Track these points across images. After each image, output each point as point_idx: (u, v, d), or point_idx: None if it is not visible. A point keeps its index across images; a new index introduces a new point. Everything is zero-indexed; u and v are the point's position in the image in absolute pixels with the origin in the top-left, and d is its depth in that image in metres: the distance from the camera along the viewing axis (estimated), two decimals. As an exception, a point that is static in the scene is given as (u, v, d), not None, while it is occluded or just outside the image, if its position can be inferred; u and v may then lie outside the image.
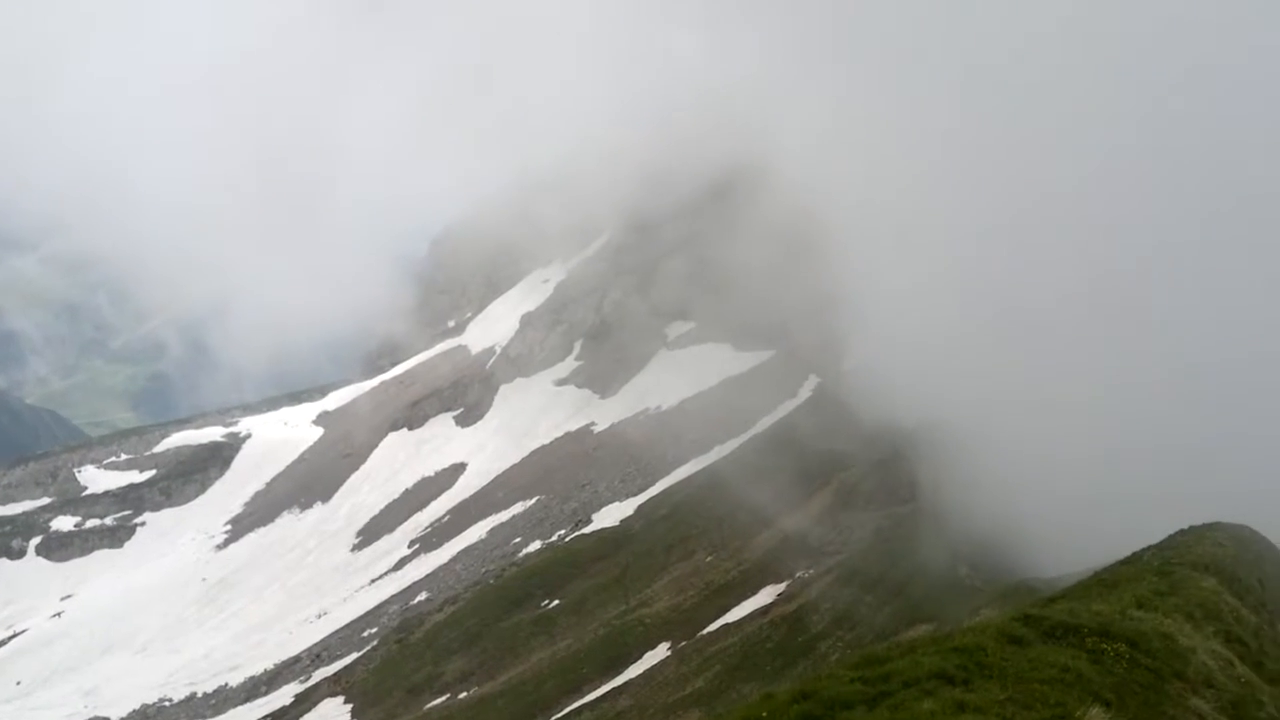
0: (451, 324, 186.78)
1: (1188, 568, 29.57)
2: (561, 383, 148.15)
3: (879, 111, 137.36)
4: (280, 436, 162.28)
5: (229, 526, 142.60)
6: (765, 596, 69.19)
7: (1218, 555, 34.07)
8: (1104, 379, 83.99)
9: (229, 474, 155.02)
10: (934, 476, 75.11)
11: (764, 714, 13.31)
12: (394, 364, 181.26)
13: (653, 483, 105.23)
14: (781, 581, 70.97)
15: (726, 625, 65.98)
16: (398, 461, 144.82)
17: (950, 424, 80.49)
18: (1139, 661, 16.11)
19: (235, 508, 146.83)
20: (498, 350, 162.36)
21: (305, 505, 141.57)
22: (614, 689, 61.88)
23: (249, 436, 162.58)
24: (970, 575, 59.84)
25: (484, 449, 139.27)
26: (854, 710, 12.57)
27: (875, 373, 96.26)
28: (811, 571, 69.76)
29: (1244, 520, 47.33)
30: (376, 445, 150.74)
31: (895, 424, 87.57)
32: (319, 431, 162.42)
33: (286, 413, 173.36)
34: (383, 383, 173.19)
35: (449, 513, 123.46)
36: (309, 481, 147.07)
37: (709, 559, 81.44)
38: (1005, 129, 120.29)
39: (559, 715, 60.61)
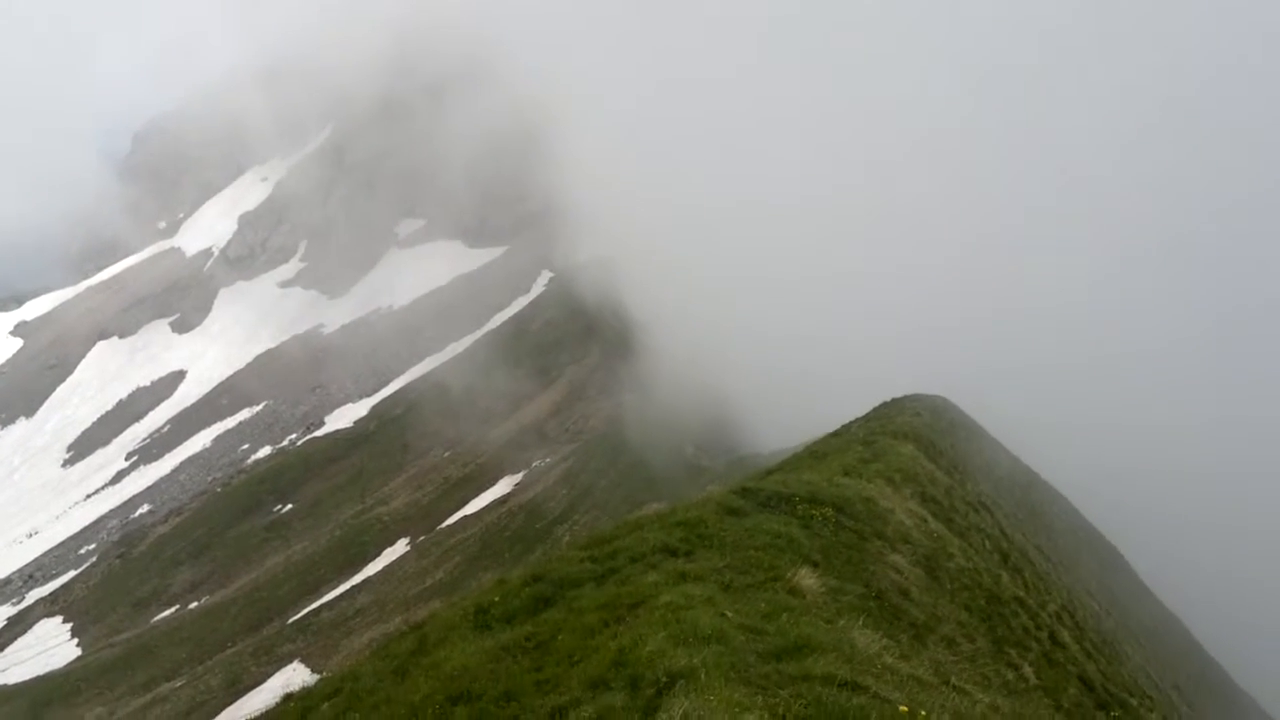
0: (163, 225, 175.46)
1: (889, 436, 31.73)
2: (286, 284, 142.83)
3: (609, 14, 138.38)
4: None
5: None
6: (503, 487, 70.16)
7: (915, 424, 36.89)
8: (811, 263, 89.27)
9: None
10: (662, 364, 77.74)
11: (496, 599, 13.60)
12: (100, 268, 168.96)
13: (387, 383, 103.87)
14: (519, 472, 72.11)
15: (465, 517, 66.63)
16: (109, 372, 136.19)
17: (676, 314, 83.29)
18: (844, 524, 17.29)
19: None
20: (215, 252, 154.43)
21: (6, 421, 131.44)
22: (353, 587, 61.59)
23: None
24: (697, 454, 62.71)
25: (204, 355, 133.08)
26: (583, 588, 12.98)
27: (605, 267, 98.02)
28: (548, 460, 71.16)
29: (939, 391, 51.52)
30: (85, 355, 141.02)
31: (625, 315, 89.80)
32: (17, 343, 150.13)
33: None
34: (89, 289, 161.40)
35: (169, 423, 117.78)
36: (9, 397, 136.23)
37: (446, 454, 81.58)
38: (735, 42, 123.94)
39: (296, 616, 59.87)
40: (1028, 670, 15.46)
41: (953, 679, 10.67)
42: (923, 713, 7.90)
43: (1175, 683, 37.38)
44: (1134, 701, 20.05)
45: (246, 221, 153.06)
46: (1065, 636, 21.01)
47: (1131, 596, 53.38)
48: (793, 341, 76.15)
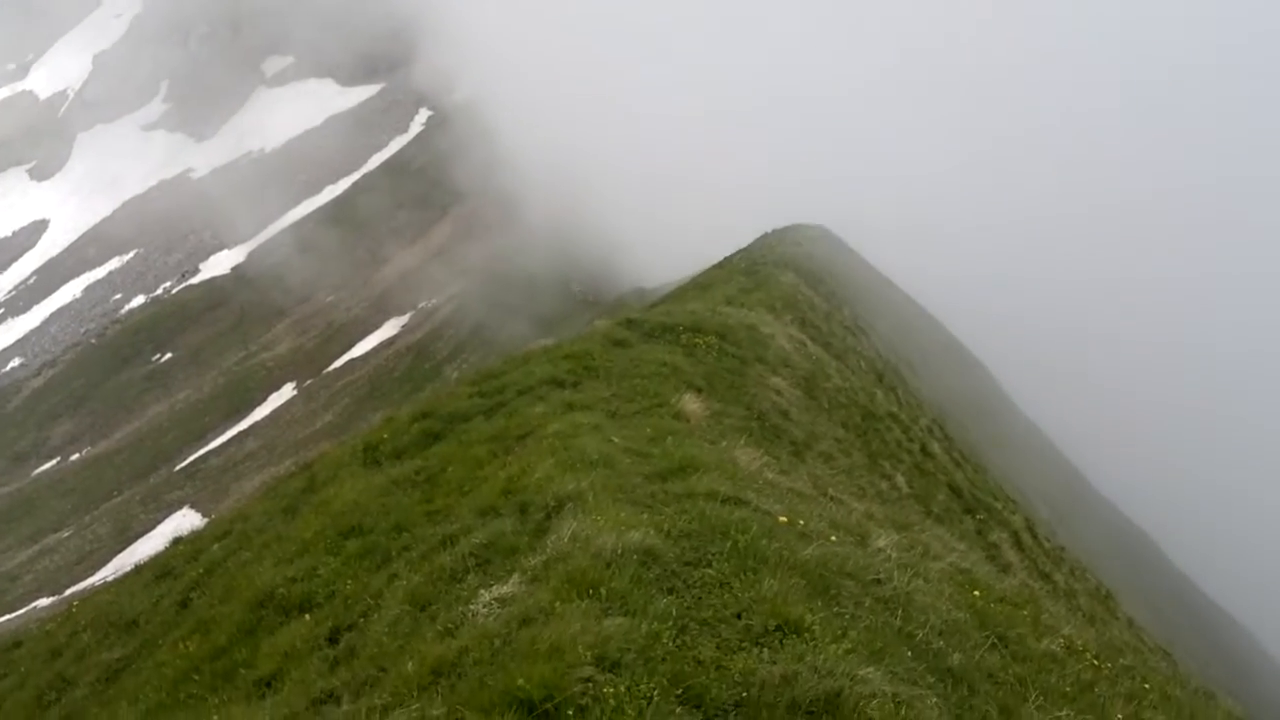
0: (12, 66, 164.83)
1: (770, 266, 32.32)
2: (150, 127, 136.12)
3: None
4: None
5: None
6: (390, 329, 69.82)
7: (796, 254, 37.62)
8: (695, 96, 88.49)
9: None
10: (545, 202, 77.04)
11: (385, 436, 13.72)
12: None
13: (264, 227, 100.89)
14: (405, 314, 71.70)
15: (353, 360, 66.36)
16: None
17: (560, 151, 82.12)
18: (727, 351, 17.72)
19: None
20: (71, 94, 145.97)
21: None
22: (240, 433, 61.28)
23: None
24: (583, 290, 63.04)
25: (67, 203, 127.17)
26: (471, 421, 13.13)
27: (485, 104, 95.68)
28: (434, 301, 70.78)
29: (818, 221, 52.28)
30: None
31: (506, 154, 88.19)
32: None
33: None
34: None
35: (35, 274, 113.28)
36: None
37: (330, 299, 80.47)
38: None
39: (183, 464, 59.46)
40: (900, 480, 16.26)
41: (830, 490, 11.18)
42: (801, 521, 8.30)
43: (1043, 490, 39.54)
44: (998, 505, 21.26)
45: (102, 62, 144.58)
46: (935, 448, 22.07)
47: (1004, 408, 55.91)
48: (679, 176, 76.00)
